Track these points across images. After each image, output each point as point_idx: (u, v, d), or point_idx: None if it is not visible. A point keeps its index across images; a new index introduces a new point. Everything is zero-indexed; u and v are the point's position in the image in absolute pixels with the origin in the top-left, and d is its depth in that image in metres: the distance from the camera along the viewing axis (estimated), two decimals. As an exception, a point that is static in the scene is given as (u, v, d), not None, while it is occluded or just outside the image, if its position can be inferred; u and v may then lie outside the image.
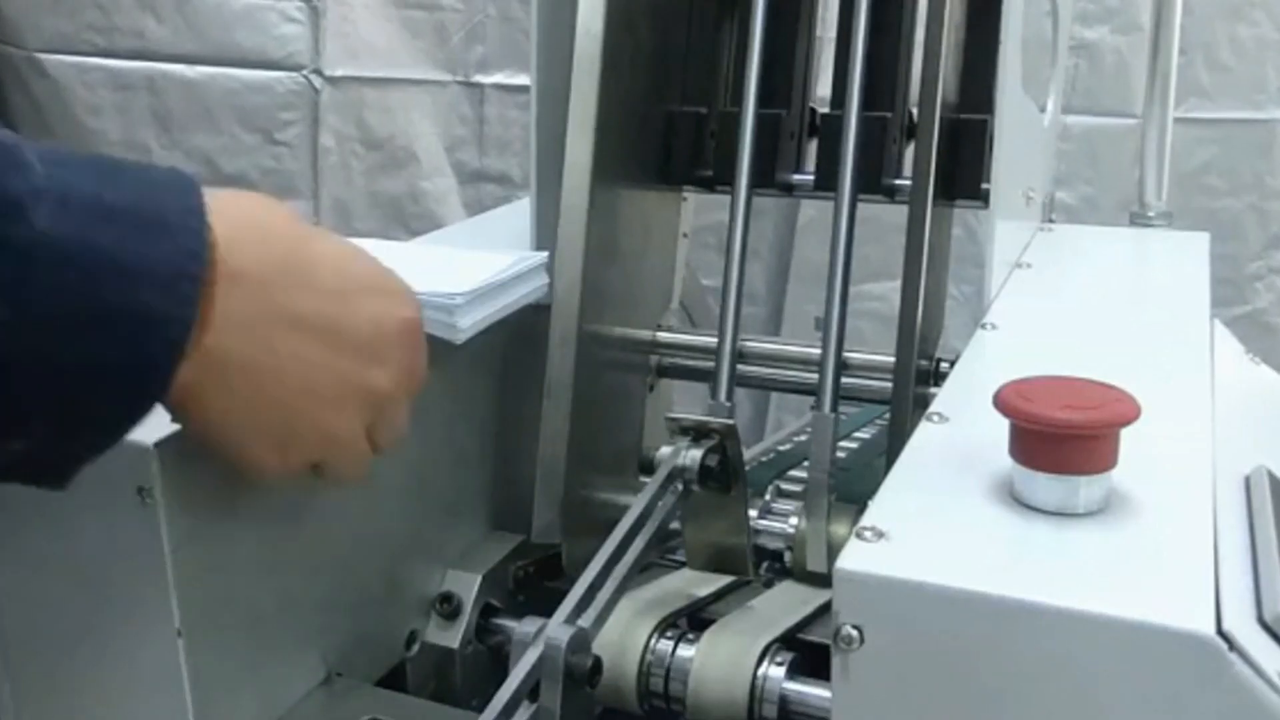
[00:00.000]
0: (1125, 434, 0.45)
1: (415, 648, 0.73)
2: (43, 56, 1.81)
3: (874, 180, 0.79)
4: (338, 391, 0.46)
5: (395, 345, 0.48)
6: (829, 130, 0.82)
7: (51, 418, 0.35)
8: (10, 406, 0.34)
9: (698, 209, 0.92)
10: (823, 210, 1.46)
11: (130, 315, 0.34)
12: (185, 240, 0.35)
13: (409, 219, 1.82)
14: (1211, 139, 1.60)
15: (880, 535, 0.44)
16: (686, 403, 1.03)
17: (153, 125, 1.82)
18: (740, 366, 0.79)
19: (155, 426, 0.54)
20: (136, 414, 0.37)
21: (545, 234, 0.78)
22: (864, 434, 1.06)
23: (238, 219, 0.39)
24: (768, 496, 0.78)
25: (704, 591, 0.75)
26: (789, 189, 0.86)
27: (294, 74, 1.76)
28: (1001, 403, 0.46)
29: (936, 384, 0.73)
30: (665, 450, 0.66)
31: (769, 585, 0.76)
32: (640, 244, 0.84)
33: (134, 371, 0.36)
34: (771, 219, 1.71)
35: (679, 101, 0.85)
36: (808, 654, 0.67)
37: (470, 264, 0.73)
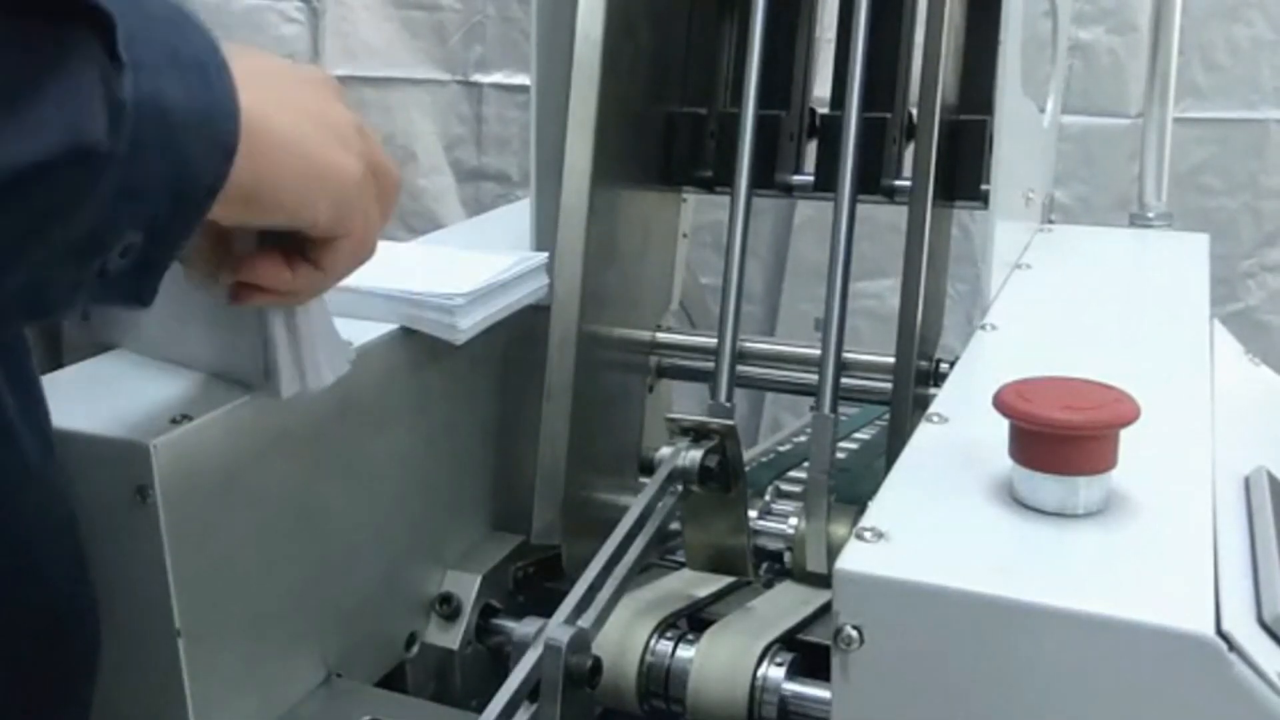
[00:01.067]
0: (1125, 434, 0.45)
1: (415, 648, 0.73)
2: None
3: (874, 181, 0.79)
4: (341, 133, 0.50)
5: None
6: (829, 131, 0.83)
7: (166, 185, 0.39)
8: (134, 188, 0.38)
9: (694, 207, 0.92)
10: (819, 209, 1.46)
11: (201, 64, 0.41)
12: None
13: (408, 216, 1.82)
14: (1207, 139, 1.60)
15: (880, 536, 0.44)
16: (686, 403, 1.03)
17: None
18: (740, 367, 0.79)
19: (155, 427, 0.54)
20: (222, 168, 0.41)
21: (545, 235, 0.78)
22: (864, 435, 1.06)
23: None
24: (767, 497, 0.78)
25: (704, 592, 0.75)
26: (789, 190, 0.86)
27: (294, 74, 1.76)
28: (1001, 403, 0.46)
29: (936, 384, 0.73)
30: (665, 451, 0.66)
31: (769, 586, 0.76)
32: (640, 245, 0.84)
33: (216, 114, 0.41)
34: (768, 218, 1.71)
35: (679, 102, 0.85)
36: (808, 654, 0.67)
37: (470, 265, 0.73)
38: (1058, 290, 0.77)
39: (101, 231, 0.38)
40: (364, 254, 0.52)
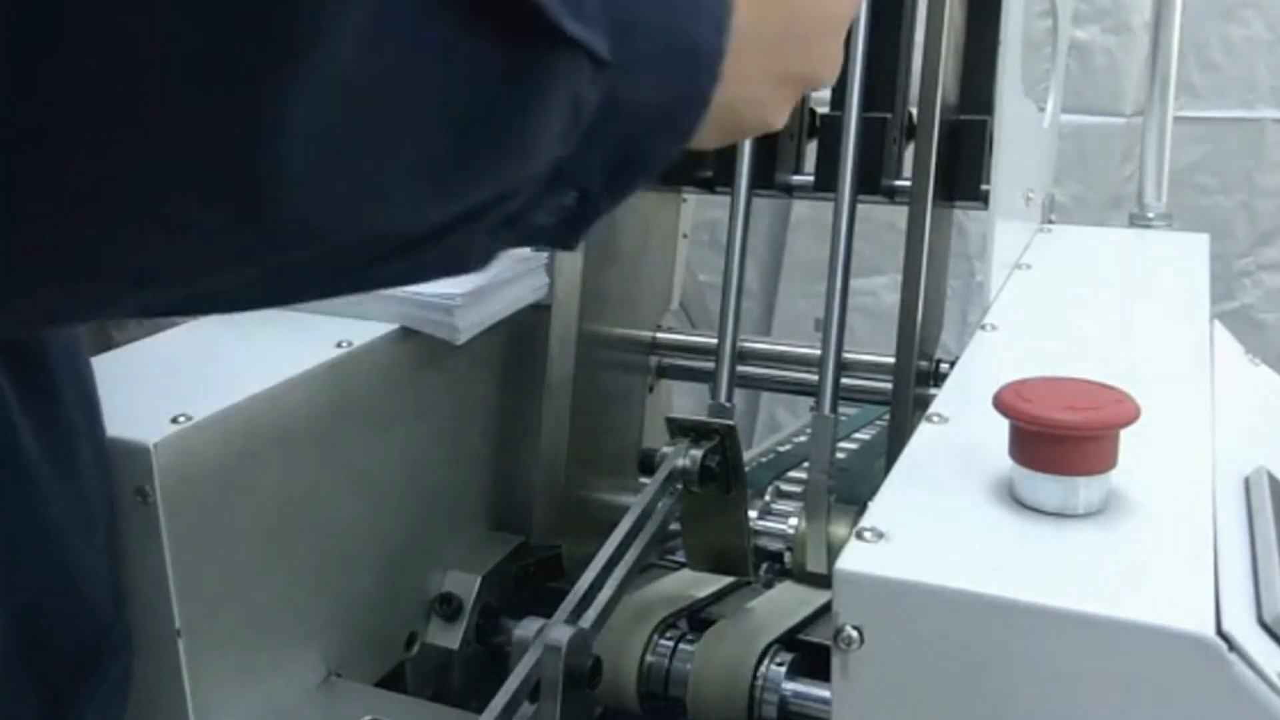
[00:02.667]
0: (1125, 434, 0.45)
1: (415, 648, 0.73)
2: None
3: (874, 181, 0.79)
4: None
5: None
6: (828, 131, 0.83)
7: (605, 168, 0.36)
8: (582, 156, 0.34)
9: (693, 207, 0.92)
10: (814, 207, 1.46)
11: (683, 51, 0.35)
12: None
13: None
14: (1203, 138, 1.61)
15: (880, 536, 0.44)
16: (686, 403, 1.03)
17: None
18: (740, 367, 0.79)
19: (155, 427, 0.54)
20: (673, 150, 0.38)
21: (545, 235, 0.78)
22: (864, 435, 1.06)
23: None
24: (767, 497, 0.78)
25: (704, 592, 0.75)
26: (789, 190, 0.85)
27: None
28: (1001, 403, 0.46)
29: (936, 384, 0.74)
30: (665, 451, 0.66)
31: (769, 586, 0.76)
32: (640, 245, 0.84)
33: (684, 105, 0.37)
34: (765, 216, 1.71)
35: (679, 102, 0.85)
36: (808, 654, 0.67)
37: (470, 264, 0.73)
38: (1058, 290, 0.77)
39: (529, 211, 0.35)
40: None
